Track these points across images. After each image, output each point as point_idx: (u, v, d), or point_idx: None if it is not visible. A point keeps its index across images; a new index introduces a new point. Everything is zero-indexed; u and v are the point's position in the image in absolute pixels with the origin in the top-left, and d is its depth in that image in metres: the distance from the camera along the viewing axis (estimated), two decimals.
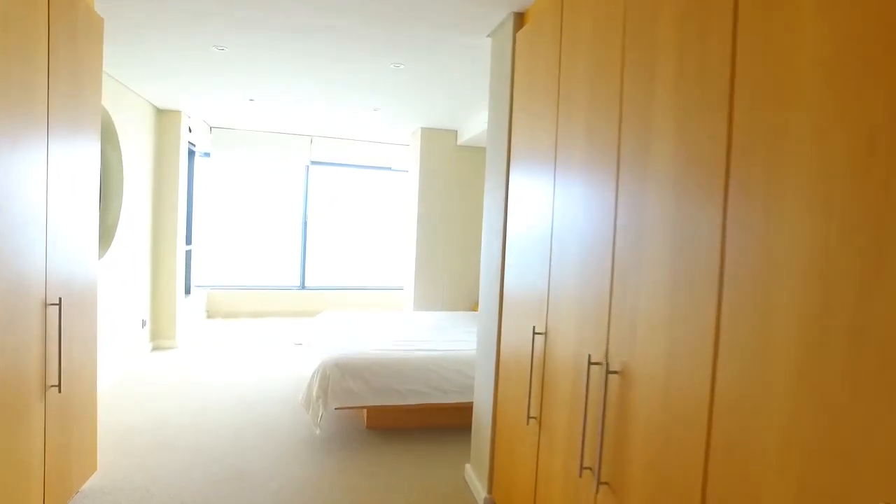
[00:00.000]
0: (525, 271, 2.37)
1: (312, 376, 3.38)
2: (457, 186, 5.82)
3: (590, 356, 1.74)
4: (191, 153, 6.26)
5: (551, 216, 2.11)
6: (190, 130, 5.78)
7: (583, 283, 1.81)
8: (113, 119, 4.27)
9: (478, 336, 2.92)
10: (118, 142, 4.42)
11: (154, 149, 5.24)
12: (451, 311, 5.45)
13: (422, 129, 5.68)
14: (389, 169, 7.86)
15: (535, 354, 2.24)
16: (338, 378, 3.32)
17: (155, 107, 5.22)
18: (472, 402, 3.54)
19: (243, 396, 4.16)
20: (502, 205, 2.63)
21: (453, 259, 5.84)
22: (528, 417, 2.25)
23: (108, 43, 3.36)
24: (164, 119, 5.35)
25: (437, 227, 5.78)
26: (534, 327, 2.22)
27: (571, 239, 1.93)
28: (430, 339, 4.07)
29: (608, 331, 1.65)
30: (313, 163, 7.55)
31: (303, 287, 7.70)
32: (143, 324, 5.11)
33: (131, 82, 4.38)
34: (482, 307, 2.88)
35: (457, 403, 3.52)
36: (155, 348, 5.38)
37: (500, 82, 2.68)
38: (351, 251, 8.18)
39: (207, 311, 7.16)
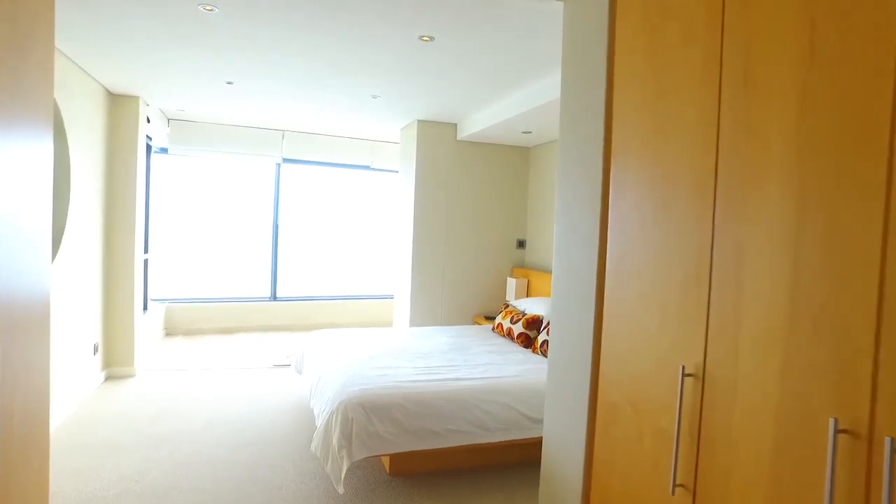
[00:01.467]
0: (650, 291, 1.81)
1: (330, 419, 2.69)
2: (458, 186, 5.23)
3: (835, 421, 1.18)
4: (147, 148, 5.37)
5: (712, 210, 1.54)
6: (148, 121, 4.90)
7: (798, 307, 1.25)
8: (57, 104, 3.42)
9: (553, 366, 2.34)
10: (65, 132, 3.56)
11: (106, 141, 4.36)
12: (456, 326, 4.84)
13: (418, 121, 5.05)
14: (368, 168, 7.16)
15: (683, 402, 1.68)
16: (363, 422, 2.65)
17: (107, 90, 4.34)
18: (516, 440, 2.95)
19: (227, 440, 3.39)
20: (594, 205, 2.05)
21: (454, 267, 5.24)
22: (674, 486, 1.69)
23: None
24: (119, 106, 4.47)
25: (436, 230, 5.17)
26: (682, 367, 1.66)
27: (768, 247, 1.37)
28: (456, 363, 3.46)
29: (874, 380, 1.09)
30: (285, 160, 6.75)
31: (274, 298, 6.87)
32: (95, 349, 4.22)
33: (81, 58, 3.53)
34: (558, 331, 2.29)
35: (500, 443, 2.92)
36: (109, 378, 4.48)
37: (585, 58, 2.11)
38: (328, 258, 7.41)
39: (166, 329, 6.23)
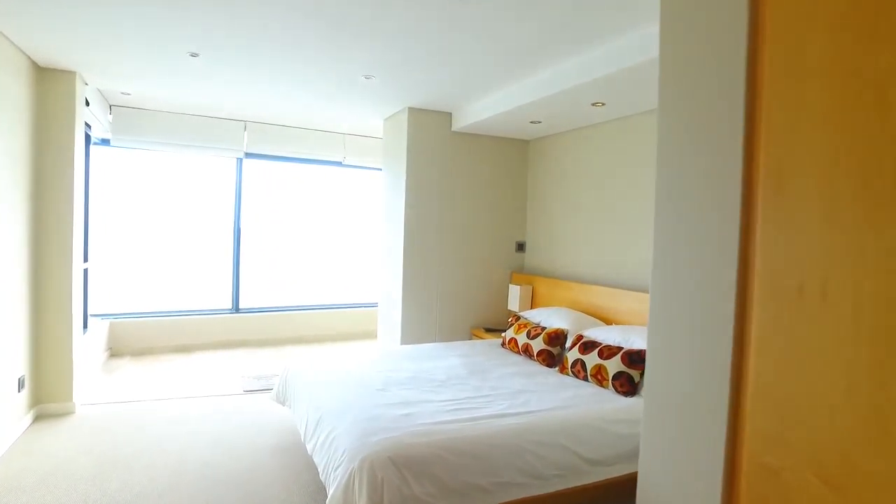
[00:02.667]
0: (855, 313, 1.28)
1: (351, 482, 2.03)
2: (452, 182, 4.63)
3: None
4: (86, 139, 4.48)
5: None
6: (87, 104, 4.04)
7: None
8: None
9: (652, 405, 1.78)
10: None
11: (31, 127, 3.49)
12: (459, 343, 4.22)
13: (409, 109, 4.42)
14: (339, 164, 6.45)
15: None
16: (396, 482, 2.01)
17: (33, 62, 3.47)
18: (574, 488, 2.39)
19: (199, 498, 2.66)
20: (729, 204, 1.51)
21: (449, 274, 4.64)
22: None
23: None
24: (50, 83, 3.60)
25: (429, 233, 4.55)
26: None
27: None
28: (484, 391, 2.85)
29: None
30: (248, 155, 5.94)
31: (236, 310, 6.04)
32: (21, 384, 3.35)
33: None
34: (660, 359, 1.75)
35: (556, 493, 2.35)
36: (40, 417, 3.61)
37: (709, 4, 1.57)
38: (298, 265, 6.63)
39: (110, 349, 5.30)
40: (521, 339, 3.74)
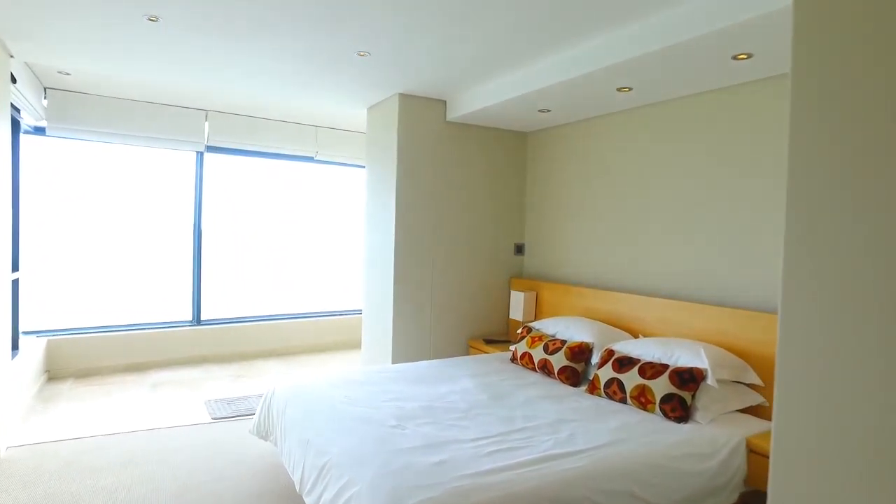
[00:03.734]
0: None
1: None
2: (446, 178, 4.13)
3: None
4: (14, 125, 3.75)
5: None
6: (14, 81, 3.32)
7: None
8: None
9: (783, 444, 1.36)
10: None
11: None
12: (462, 359, 3.71)
13: (400, 95, 3.90)
14: (311, 159, 5.85)
15: None
16: None
17: None
18: None
19: None
20: None
21: (443, 279, 4.15)
22: None
23: None
24: None
25: (422, 235, 4.04)
26: None
27: None
28: (517, 423, 2.37)
29: None
30: (209, 149, 5.26)
31: (197, 322, 5.34)
32: None
33: None
34: (803, 382, 1.33)
35: None
36: None
37: None
38: (268, 270, 5.97)
39: (48, 372, 4.52)
40: (537, 353, 3.29)
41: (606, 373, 2.85)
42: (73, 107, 4.52)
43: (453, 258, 4.19)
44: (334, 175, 6.25)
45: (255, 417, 2.98)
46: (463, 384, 2.96)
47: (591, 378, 3.07)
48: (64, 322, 4.80)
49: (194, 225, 5.28)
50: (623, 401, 2.71)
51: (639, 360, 2.78)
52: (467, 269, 4.26)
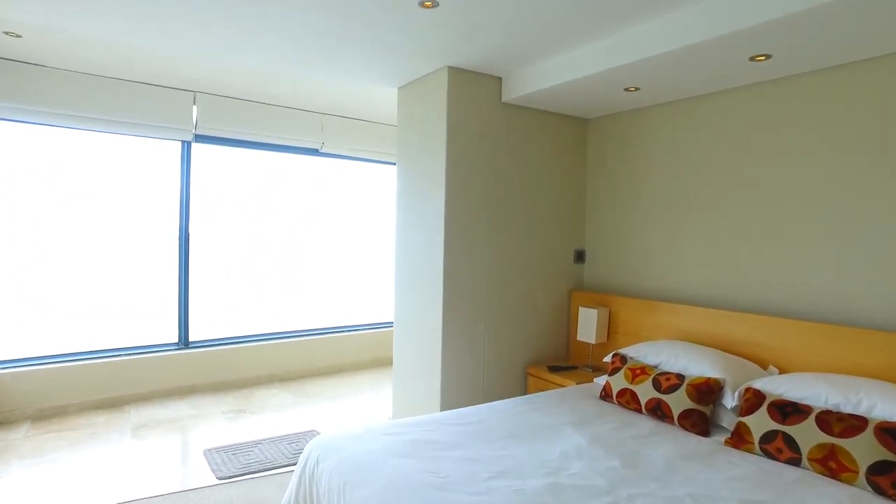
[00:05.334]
0: None
1: None
2: (502, 172, 3.38)
3: None
4: None
5: None
6: None
7: None
8: None
9: None
10: None
11: None
12: (541, 396, 2.93)
13: (449, 69, 3.13)
14: (315, 152, 5.01)
15: None
16: None
17: None
18: None
19: None
20: None
21: (500, 293, 3.39)
22: None
23: None
24: None
25: (476, 239, 3.27)
26: None
27: None
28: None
29: None
30: (198, 138, 4.37)
31: (185, 345, 4.43)
32: None
33: None
34: None
35: None
36: None
37: None
38: (267, 281, 5.09)
39: None
40: (645, 391, 2.57)
41: (761, 423, 2.14)
42: (24, 80, 3.58)
43: (508, 267, 3.44)
44: (343, 170, 5.41)
45: (290, 494, 2.17)
46: (572, 440, 2.21)
47: (723, 424, 2.38)
48: (16, 350, 3.84)
49: (180, 229, 4.37)
50: (796, 463, 2.01)
51: (810, 408, 2.09)
52: (523, 280, 3.51)
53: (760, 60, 2.43)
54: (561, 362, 3.62)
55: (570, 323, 3.73)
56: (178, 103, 4.18)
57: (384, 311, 5.74)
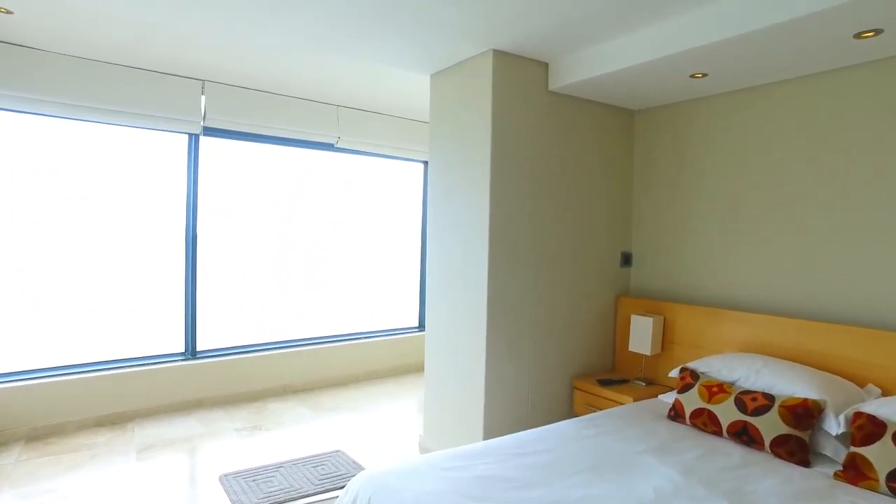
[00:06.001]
0: None
1: None
2: (546, 168, 3.06)
3: None
4: None
5: None
6: None
7: None
8: None
9: None
10: None
11: None
12: (598, 415, 2.63)
13: (495, 52, 2.81)
14: (331, 147, 4.68)
15: None
16: None
17: None
18: None
19: None
20: None
21: (544, 299, 3.07)
22: None
23: None
24: None
25: (520, 241, 2.95)
26: None
27: None
28: None
29: None
30: (206, 131, 4.03)
31: (192, 355, 4.08)
32: None
33: None
34: None
35: None
36: None
37: None
38: (279, 283, 4.75)
39: None
40: (725, 412, 2.26)
41: (888, 456, 1.84)
42: (14, 64, 3.22)
43: (553, 272, 3.12)
44: (360, 166, 5.08)
45: None
46: (661, 472, 1.89)
47: (825, 452, 2.08)
48: (6, 363, 3.48)
49: (187, 229, 4.02)
50: None
51: None
52: (568, 285, 3.19)
53: (868, 37, 2.13)
54: (608, 374, 3.30)
55: (617, 331, 3.42)
56: (184, 92, 3.83)
57: (404, 316, 5.41)
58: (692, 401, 2.41)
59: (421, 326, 5.42)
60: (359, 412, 3.99)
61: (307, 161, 4.74)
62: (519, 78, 2.93)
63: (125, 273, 3.93)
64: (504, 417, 2.94)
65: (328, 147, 4.65)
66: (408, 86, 3.94)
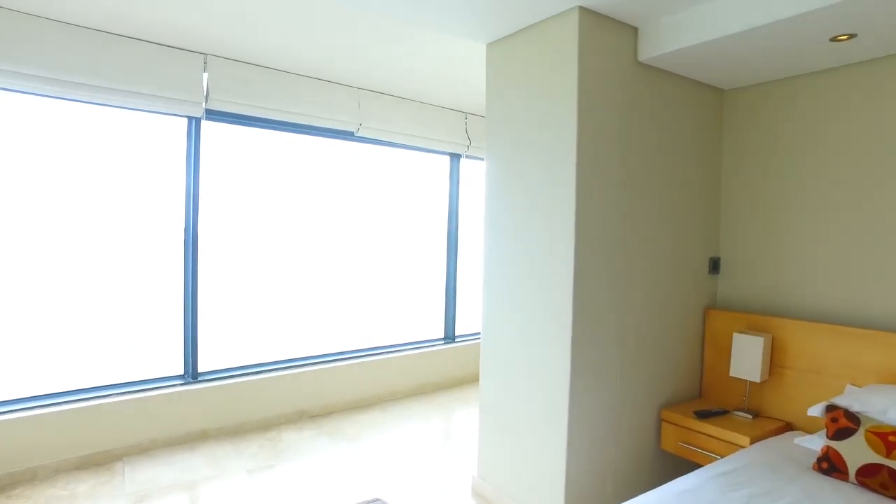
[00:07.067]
0: None
1: None
2: (636, 154, 2.50)
3: None
4: None
5: None
6: None
7: None
8: None
9: None
10: None
11: None
12: (755, 472, 2.08)
13: (580, 10, 2.24)
14: (350, 136, 4.07)
15: None
16: None
17: None
18: None
19: None
20: None
21: (636, 315, 2.50)
22: None
23: None
24: None
25: (612, 241, 2.38)
26: None
27: None
28: None
29: None
30: (209, 114, 3.40)
31: (193, 377, 3.45)
32: None
33: None
34: None
35: None
36: None
37: None
38: (293, 291, 4.14)
39: None
40: None
41: None
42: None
43: (641, 281, 2.55)
44: (381, 158, 4.48)
45: None
46: None
47: None
48: None
49: (186, 230, 3.38)
50: None
51: None
52: (655, 296, 2.63)
53: None
54: (699, 403, 2.74)
55: (706, 351, 2.87)
56: (184, 68, 3.20)
57: (428, 326, 4.82)
58: (858, 452, 1.86)
59: (447, 338, 4.83)
60: (389, 442, 3.39)
61: (324, 152, 4.12)
62: (606, 46, 2.35)
63: (113, 282, 3.29)
64: (590, 459, 2.37)
65: (347, 136, 4.03)
66: (441, 67, 3.37)
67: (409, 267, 4.80)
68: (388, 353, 4.35)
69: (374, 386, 4.18)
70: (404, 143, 4.28)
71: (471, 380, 4.79)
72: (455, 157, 4.74)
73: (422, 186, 4.77)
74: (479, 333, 5.11)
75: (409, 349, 4.48)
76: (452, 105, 4.42)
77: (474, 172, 4.98)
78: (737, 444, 2.31)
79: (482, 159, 5.01)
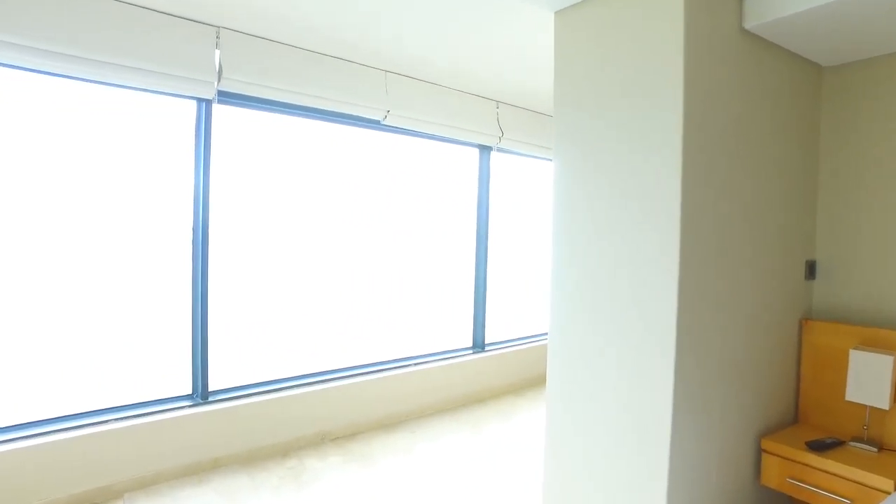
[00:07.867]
0: None
1: None
2: (739, 140, 2.09)
3: None
4: None
5: None
6: None
7: None
8: None
9: None
10: None
11: None
12: None
13: None
14: (377, 124, 3.65)
15: None
16: None
17: None
18: None
19: None
20: None
21: (734, 327, 2.09)
22: None
23: None
24: None
25: (719, 240, 1.97)
26: None
27: None
28: None
29: None
30: (221, 95, 2.96)
31: (204, 398, 3.00)
32: None
33: None
34: None
35: None
36: None
37: None
38: (315, 296, 3.71)
39: None
40: None
41: None
42: None
43: (739, 288, 2.14)
44: (410, 149, 4.06)
45: None
46: None
47: None
48: None
49: (195, 228, 2.94)
50: None
51: None
52: (754, 307, 2.22)
53: None
54: (797, 429, 2.34)
55: (803, 368, 2.47)
56: (193, 43, 2.76)
57: (456, 334, 4.40)
58: None
59: (476, 347, 4.41)
60: (428, 471, 2.96)
61: (346, 142, 3.70)
62: (710, 9, 1.95)
63: (110, 290, 2.84)
64: (689, 498, 1.96)
65: (373, 124, 3.61)
66: (480, 50, 2.96)
67: (435, 269, 4.38)
68: (413, 365, 3.92)
69: (401, 402, 3.75)
70: (433, 132, 3.86)
71: (502, 392, 4.38)
72: (485, 150, 4.32)
73: (449, 182, 4.35)
74: (509, 341, 4.71)
75: (436, 360, 4.06)
76: (484, 93, 4.01)
77: (506, 168, 4.58)
78: (872, 487, 1.91)
79: (516, 153, 4.60)
